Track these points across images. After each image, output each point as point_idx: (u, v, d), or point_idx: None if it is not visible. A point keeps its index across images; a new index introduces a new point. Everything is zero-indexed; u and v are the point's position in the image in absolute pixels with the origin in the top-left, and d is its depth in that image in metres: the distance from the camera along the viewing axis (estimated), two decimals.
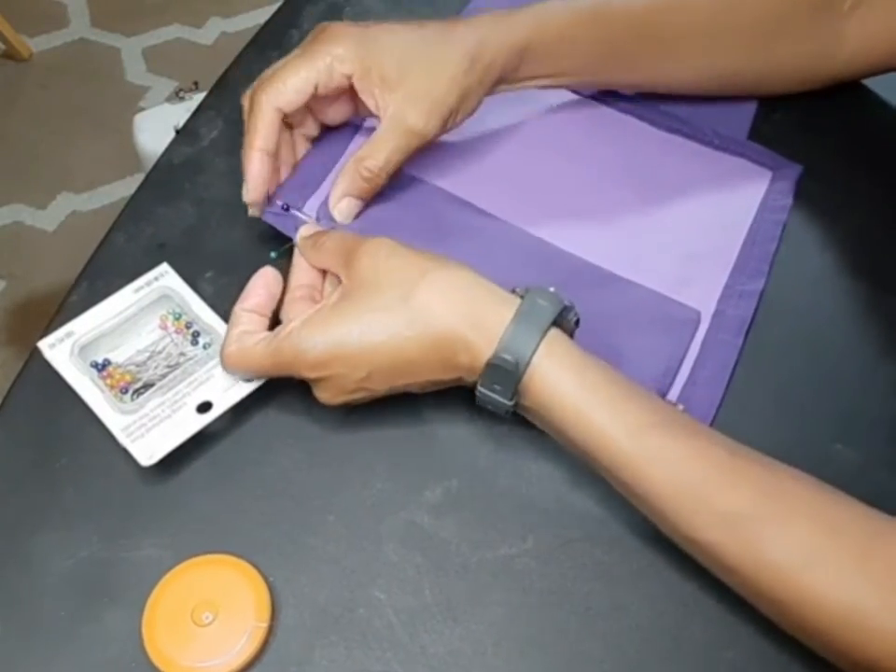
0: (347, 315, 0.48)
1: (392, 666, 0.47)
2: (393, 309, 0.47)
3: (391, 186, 0.59)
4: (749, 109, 0.69)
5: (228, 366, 0.51)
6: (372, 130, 0.57)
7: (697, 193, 0.64)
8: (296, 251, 0.55)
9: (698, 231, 0.62)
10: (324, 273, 0.54)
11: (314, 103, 0.58)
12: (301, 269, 0.54)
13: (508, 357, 0.46)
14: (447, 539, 0.50)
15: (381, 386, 0.49)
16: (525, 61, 0.58)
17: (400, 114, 0.55)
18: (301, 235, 0.55)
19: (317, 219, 0.58)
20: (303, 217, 0.58)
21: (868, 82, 0.71)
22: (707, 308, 0.58)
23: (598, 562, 0.50)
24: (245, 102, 0.58)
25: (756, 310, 0.58)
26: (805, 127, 0.69)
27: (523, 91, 0.62)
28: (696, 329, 0.57)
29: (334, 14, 0.75)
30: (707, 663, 0.48)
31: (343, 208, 0.57)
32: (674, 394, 0.54)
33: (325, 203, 0.58)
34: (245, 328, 0.51)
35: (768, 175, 0.65)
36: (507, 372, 0.46)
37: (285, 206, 0.58)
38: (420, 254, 0.49)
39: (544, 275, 0.56)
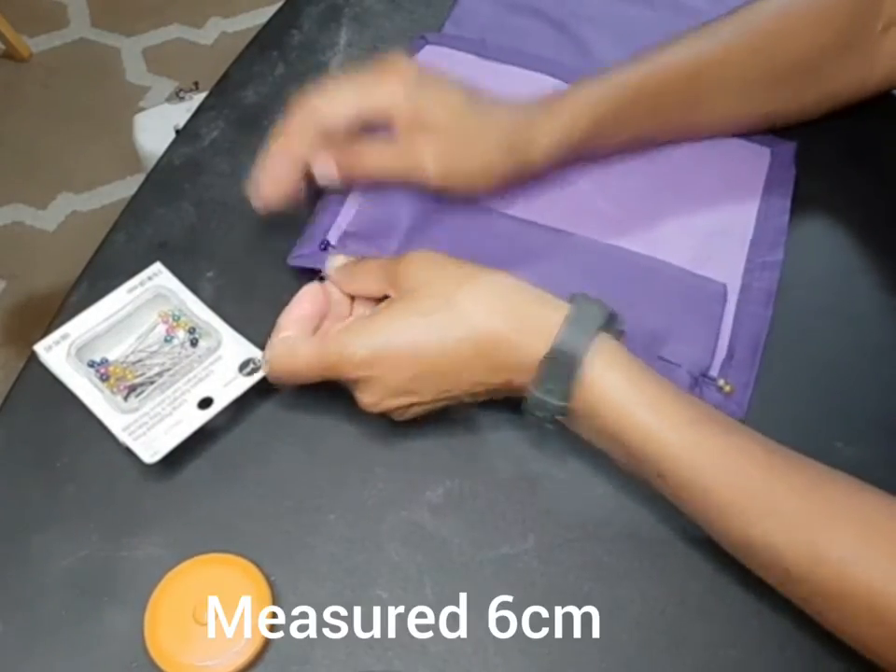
0: (394, 318, 0.49)
1: (393, 665, 0.47)
2: (437, 312, 0.48)
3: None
4: None
5: (273, 370, 0.51)
6: None
7: (704, 173, 0.65)
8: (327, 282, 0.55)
9: (711, 209, 0.63)
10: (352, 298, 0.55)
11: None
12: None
13: (565, 350, 0.46)
14: (448, 539, 0.50)
15: (427, 390, 0.49)
16: (563, 148, 0.59)
17: (421, 155, 0.56)
18: (332, 266, 0.54)
19: (332, 245, 0.58)
20: (337, 250, 0.58)
21: None
22: (732, 283, 0.59)
23: (599, 561, 0.50)
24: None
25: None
26: None
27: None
28: (724, 302, 0.58)
29: (334, 14, 0.75)
30: (706, 662, 0.48)
31: (322, 163, 0.56)
32: (714, 371, 0.55)
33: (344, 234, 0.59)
34: (287, 333, 0.51)
35: (767, 151, 0.67)
36: (562, 369, 0.46)
37: (323, 245, 0.58)
38: (461, 262, 0.50)
39: (567, 263, 0.58)
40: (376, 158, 0.57)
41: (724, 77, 0.61)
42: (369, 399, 0.50)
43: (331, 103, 0.55)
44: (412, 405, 0.50)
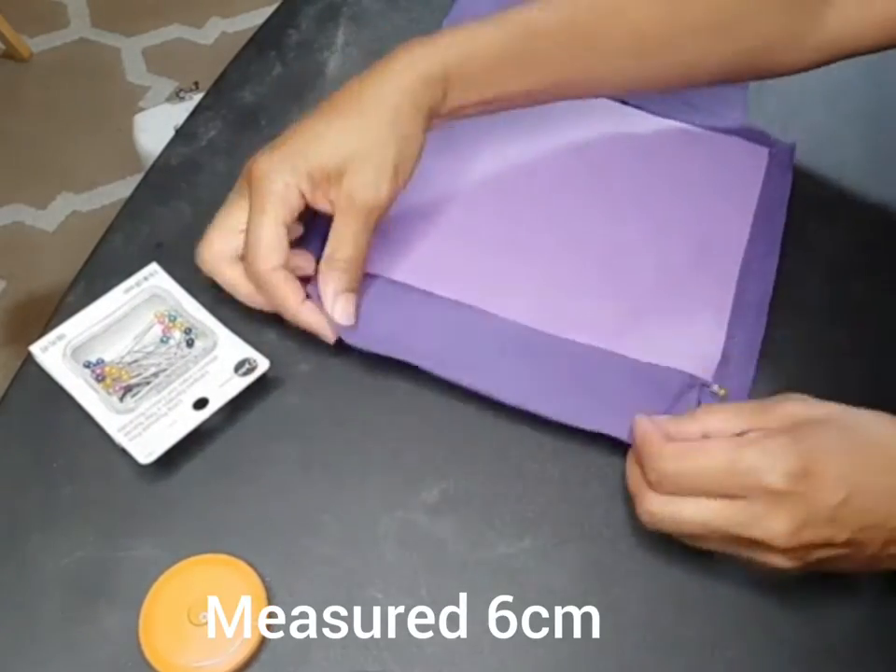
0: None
1: (389, 666, 0.47)
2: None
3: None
4: (741, 94, 0.70)
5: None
6: None
7: (701, 175, 0.65)
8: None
9: (708, 208, 0.63)
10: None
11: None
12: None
13: None
14: (444, 539, 0.50)
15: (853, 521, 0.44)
16: (450, 90, 0.55)
17: (350, 196, 0.53)
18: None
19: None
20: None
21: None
22: (728, 284, 0.59)
23: (595, 561, 0.50)
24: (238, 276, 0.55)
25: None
26: (794, 108, 0.70)
27: None
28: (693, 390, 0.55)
29: (332, 14, 0.75)
30: (705, 662, 0.48)
31: (340, 309, 0.53)
32: (709, 375, 0.55)
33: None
34: None
35: (765, 151, 0.66)
36: None
37: None
38: None
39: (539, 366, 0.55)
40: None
41: (630, 29, 0.57)
42: (783, 525, 0.43)
43: (272, 249, 0.53)
44: (832, 546, 0.44)
